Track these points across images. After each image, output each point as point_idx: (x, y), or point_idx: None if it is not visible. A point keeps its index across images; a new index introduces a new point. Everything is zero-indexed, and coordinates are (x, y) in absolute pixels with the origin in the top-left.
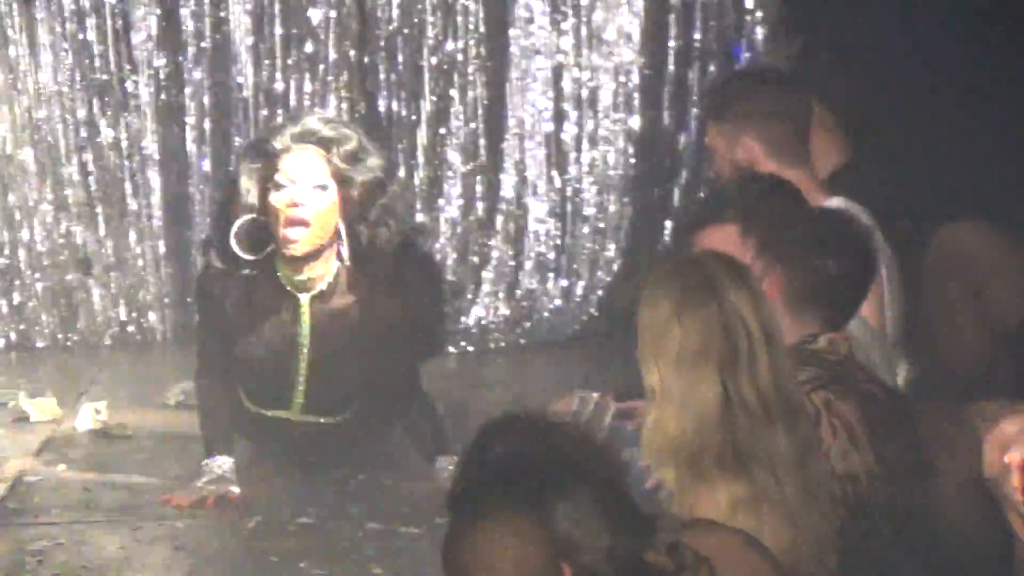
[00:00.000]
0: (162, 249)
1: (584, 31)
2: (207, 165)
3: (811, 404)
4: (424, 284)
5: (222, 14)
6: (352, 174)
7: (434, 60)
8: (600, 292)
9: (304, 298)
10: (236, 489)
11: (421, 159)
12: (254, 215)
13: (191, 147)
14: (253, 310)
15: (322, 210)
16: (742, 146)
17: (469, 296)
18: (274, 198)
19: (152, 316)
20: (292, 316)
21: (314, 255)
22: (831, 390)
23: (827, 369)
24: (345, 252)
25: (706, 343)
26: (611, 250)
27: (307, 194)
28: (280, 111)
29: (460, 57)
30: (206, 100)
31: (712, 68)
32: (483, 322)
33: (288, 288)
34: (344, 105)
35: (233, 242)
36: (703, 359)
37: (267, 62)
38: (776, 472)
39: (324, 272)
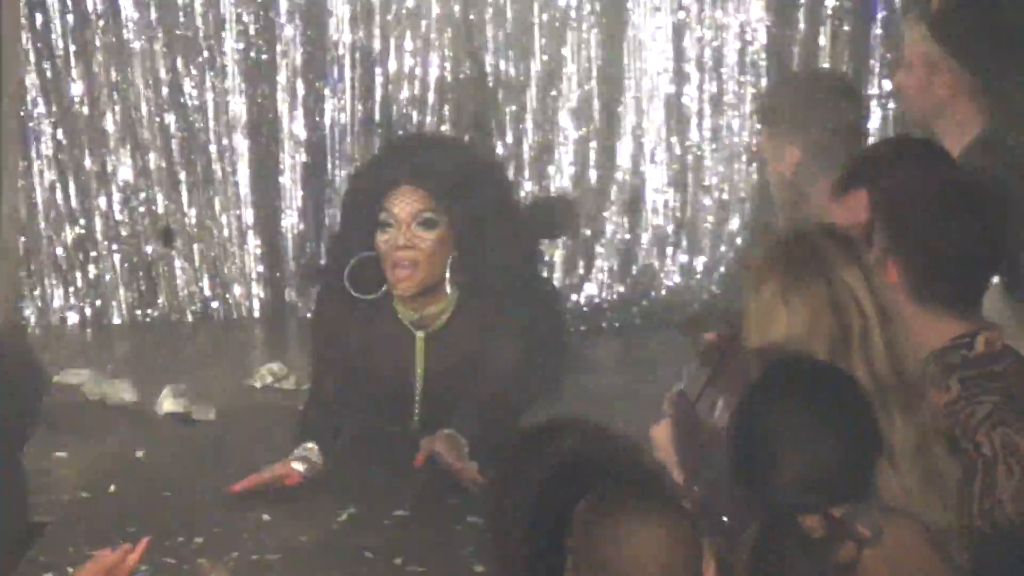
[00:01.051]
0: (249, 219)
1: None
2: (298, 128)
3: (988, 445)
4: (544, 321)
5: None
6: (459, 207)
7: (545, 17)
8: (722, 269)
9: (420, 335)
10: (300, 467)
11: (530, 124)
12: (367, 252)
13: (281, 109)
14: (370, 346)
15: (429, 248)
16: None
17: (580, 272)
18: (380, 239)
19: (237, 291)
20: (408, 353)
21: (428, 292)
22: (1012, 425)
23: (1004, 394)
24: (452, 287)
25: (814, 324)
26: (735, 223)
27: (412, 233)
28: (379, 71)
29: (573, 14)
30: (298, 58)
31: (846, 28)
32: (595, 300)
33: (406, 324)
34: (448, 64)
35: (347, 283)
36: (812, 341)
37: (364, 17)
38: (893, 459)
39: (441, 308)
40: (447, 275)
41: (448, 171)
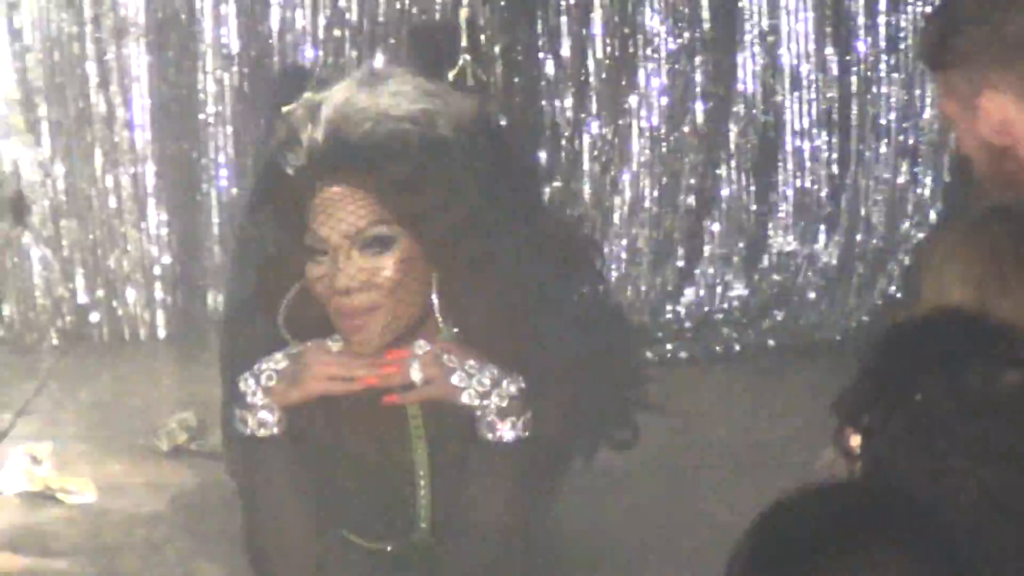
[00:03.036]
0: (150, 181)
1: None
2: (230, 37)
3: None
4: (604, 356)
5: None
6: (427, 210)
7: None
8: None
9: (413, 410)
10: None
11: (599, 30)
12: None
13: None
14: (334, 428)
15: (389, 281)
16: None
17: (679, 265)
18: (311, 272)
19: (130, 296)
20: (399, 433)
21: (407, 338)
22: None
23: None
24: (444, 323)
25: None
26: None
27: (357, 265)
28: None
29: None
30: None
31: None
32: (705, 311)
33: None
34: None
35: (282, 329)
36: None
37: None
38: None
39: None
40: (435, 305)
41: (398, 154)
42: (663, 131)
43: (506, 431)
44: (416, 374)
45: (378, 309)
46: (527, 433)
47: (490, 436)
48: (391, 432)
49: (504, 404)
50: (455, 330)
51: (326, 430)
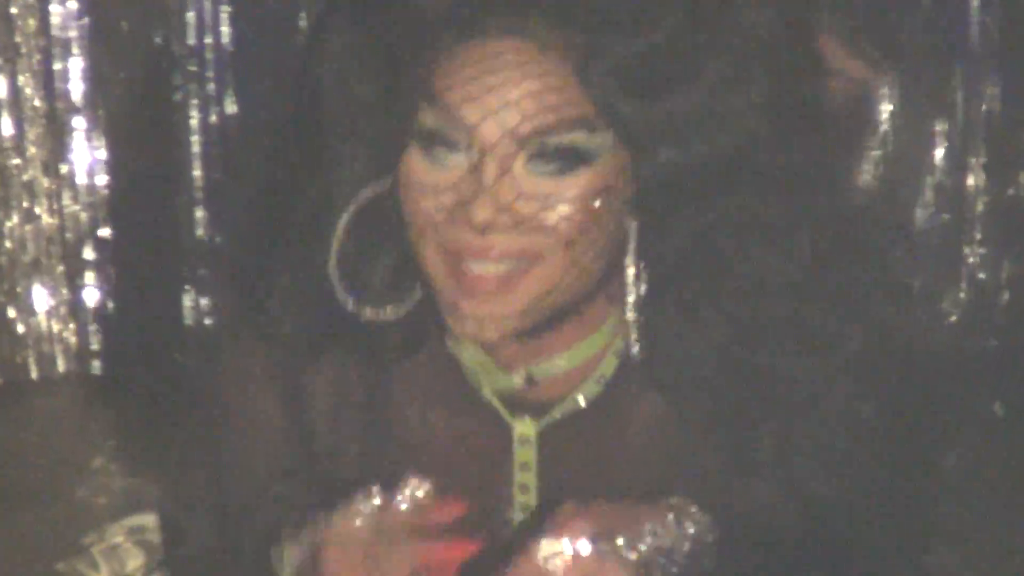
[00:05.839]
0: (80, 165)
1: None
2: None
3: None
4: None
5: None
6: (672, 113)
7: None
8: None
9: (523, 426)
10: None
11: None
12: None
13: None
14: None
15: (569, 220)
16: None
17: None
18: (420, 179)
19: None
20: (500, 459)
21: (554, 324)
22: None
23: None
24: (631, 308)
25: None
26: None
27: (519, 186)
28: None
29: None
30: None
31: None
32: None
33: (487, 401)
34: None
35: (335, 278)
36: None
37: None
38: None
39: (582, 362)
40: (627, 279)
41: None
42: None
43: None
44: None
45: (533, 268)
46: None
47: None
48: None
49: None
50: (635, 345)
51: None
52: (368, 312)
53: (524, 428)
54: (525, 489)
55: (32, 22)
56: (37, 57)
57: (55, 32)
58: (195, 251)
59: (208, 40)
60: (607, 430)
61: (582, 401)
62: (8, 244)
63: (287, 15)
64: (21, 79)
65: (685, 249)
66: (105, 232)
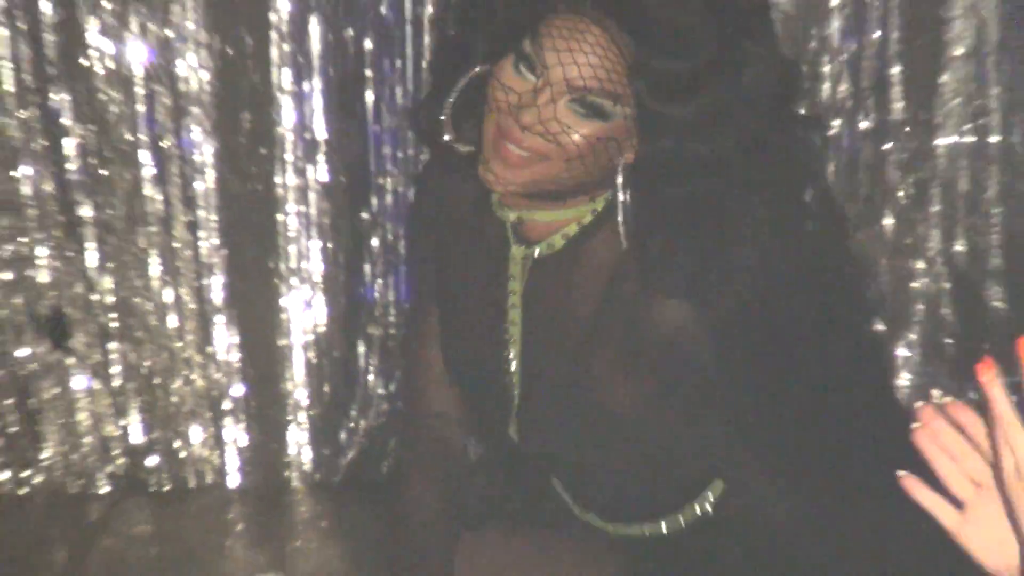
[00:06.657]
0: (217, 298)
1: None
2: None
3: None
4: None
5: None
6: (675, 90)
7: None
8: None
9: (520, 250)
10: None
11: None
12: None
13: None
14: (462, 251)
15: (575, 147)
16: None
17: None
18: (505, 72)
19: (194, 435)
20: (499, 284)
21: (550, 197)
22: None
23: None
24: (621, 218)
25: None
26: None
27: (556, 114)
28: None
29: None
30: None
31: None
32: None
33: (501, 224)
34: None
35: (446, 113)
36: None
37: None
38: None
39: (569, 216)
40: (619, 191)
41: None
42: None
43: None
44: None
45: (542, 162)
46: None
47: None
48: (491, 276)
49: None
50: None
51: None
52: (460, 148)
53: (516, 251)
54: (513, 294)
55: (189, 252)
56: (192, 275)
57: (203, 259)
58: None
59: None
60: (573, 265)
61: (560, 240)
62: (174, 399)
63: None
64: (181, 290)
65: (666, 184)
66: (239, 391)
